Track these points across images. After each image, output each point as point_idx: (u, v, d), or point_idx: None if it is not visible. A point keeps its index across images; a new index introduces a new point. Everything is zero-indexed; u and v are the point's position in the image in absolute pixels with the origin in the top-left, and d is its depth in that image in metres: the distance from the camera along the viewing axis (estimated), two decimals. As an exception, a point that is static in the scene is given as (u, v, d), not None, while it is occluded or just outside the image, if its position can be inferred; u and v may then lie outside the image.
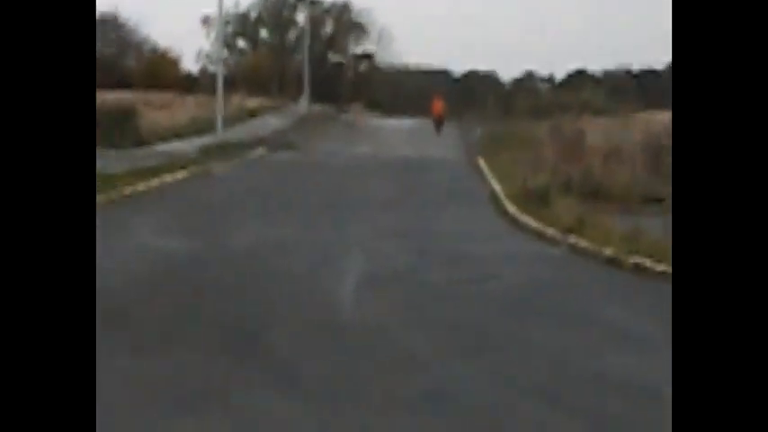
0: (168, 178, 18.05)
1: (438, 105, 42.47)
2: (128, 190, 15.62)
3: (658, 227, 10.82)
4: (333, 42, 65.43)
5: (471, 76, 71.64)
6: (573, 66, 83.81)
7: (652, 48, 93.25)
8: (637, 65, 69.46)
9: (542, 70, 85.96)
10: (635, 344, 7.08)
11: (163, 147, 25.43)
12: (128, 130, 25.73)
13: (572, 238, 11.68)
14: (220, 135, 28.29)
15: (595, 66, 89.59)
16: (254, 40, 66.26)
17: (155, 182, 17.24)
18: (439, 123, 41.38)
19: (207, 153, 23.81)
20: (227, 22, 58.97)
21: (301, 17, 62.40)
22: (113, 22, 59.70)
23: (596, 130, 24.66)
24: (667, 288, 5.64)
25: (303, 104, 48.37)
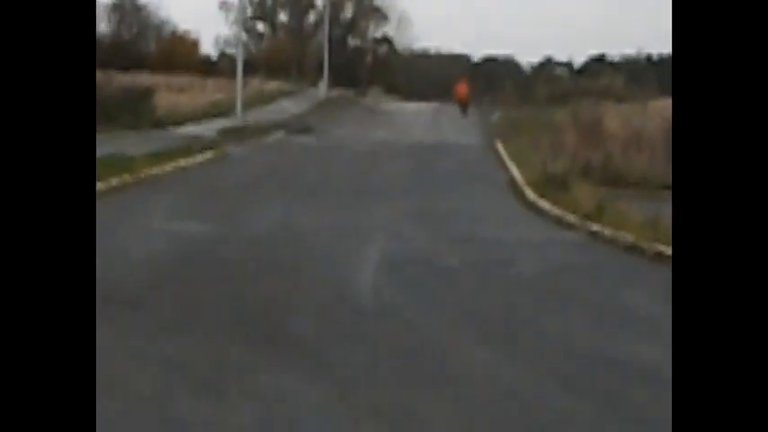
0: (194, 159, 18.54)
1: (462, 88, 41.56)
2: (154, 170, 15.99)
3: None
4: (352, 26, 65.37)
5: (490, 61, 71.45)
6: (592, 52, 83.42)
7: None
8: (656, 52, 69.02)
9: (561, 56, 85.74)
10: (651, 328, 7.18)
11: (184, 129, 25.64)
12: (146, 112, 25.90)
13: (592, 224, 11.74)
14: (240, 118, 28.45)
15: (615, 52, 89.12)
16: (273, 23, 66.30)
17: (181, 162, 17.74)
18: (464, 106, 40.59)
19: (227, 136, 24.10)
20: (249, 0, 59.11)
21: (320, 1, 62.49)
22: (133, 5, 59.90)
23: (616, 116, 24.70)
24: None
25: (322, 88, 48.41)
